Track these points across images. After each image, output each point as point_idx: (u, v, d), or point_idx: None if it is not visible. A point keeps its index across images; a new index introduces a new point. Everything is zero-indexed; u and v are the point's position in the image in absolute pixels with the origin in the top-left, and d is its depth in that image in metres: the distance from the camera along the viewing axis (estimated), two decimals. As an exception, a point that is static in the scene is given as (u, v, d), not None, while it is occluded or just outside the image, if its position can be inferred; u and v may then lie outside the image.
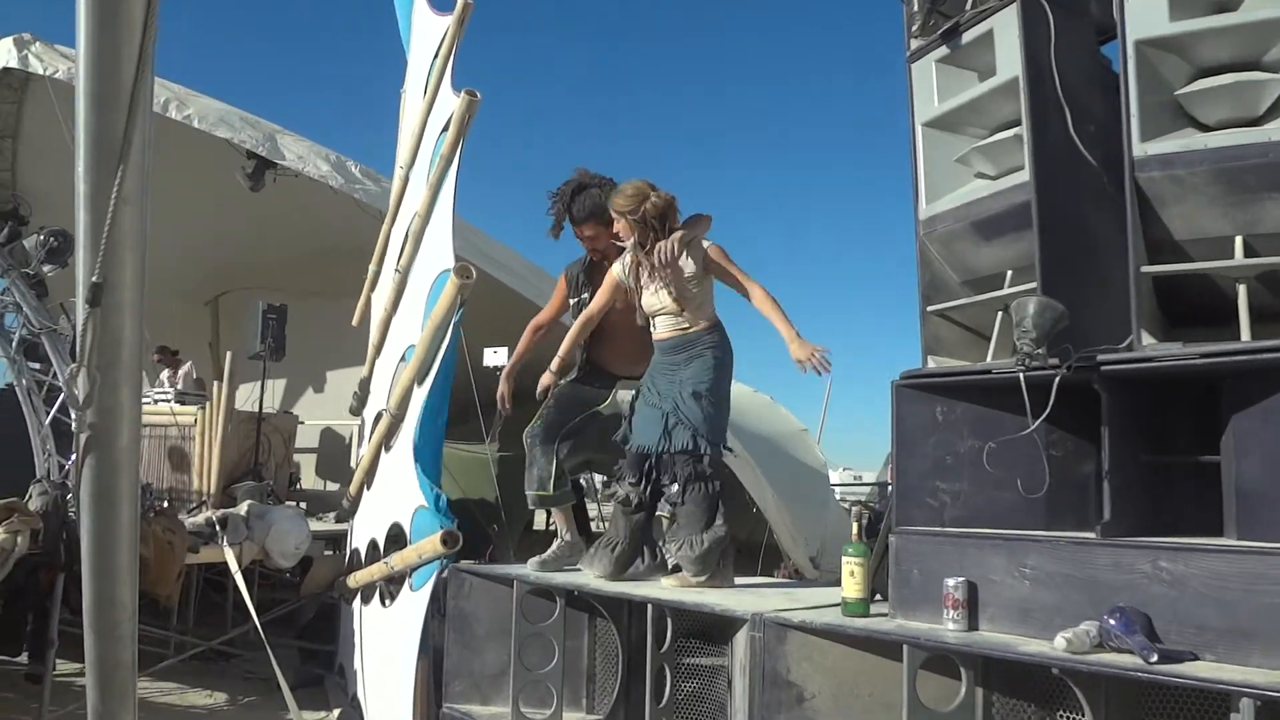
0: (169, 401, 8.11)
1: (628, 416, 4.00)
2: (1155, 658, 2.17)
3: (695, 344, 3.80)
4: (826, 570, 11.01)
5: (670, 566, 3.78)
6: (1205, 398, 2.60)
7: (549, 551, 4.16)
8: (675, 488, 3.66)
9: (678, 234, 3.78)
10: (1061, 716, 2.56)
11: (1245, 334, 2.40)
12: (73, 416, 1.64)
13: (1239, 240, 2.44)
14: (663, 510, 3.77)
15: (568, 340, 4.24)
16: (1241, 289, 2.42)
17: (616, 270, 4.00)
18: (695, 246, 3.80)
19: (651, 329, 3.92)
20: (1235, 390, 2.41)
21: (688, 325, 3.82)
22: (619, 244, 3.98)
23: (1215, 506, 2.58)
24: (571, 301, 4.35)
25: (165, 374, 9.39)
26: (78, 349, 1.54)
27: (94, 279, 1.53)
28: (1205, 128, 2.52)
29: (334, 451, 10.40)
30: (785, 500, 11.76)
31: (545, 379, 4.30)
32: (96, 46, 1.58)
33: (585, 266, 4.34)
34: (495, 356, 8.69)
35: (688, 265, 3.79)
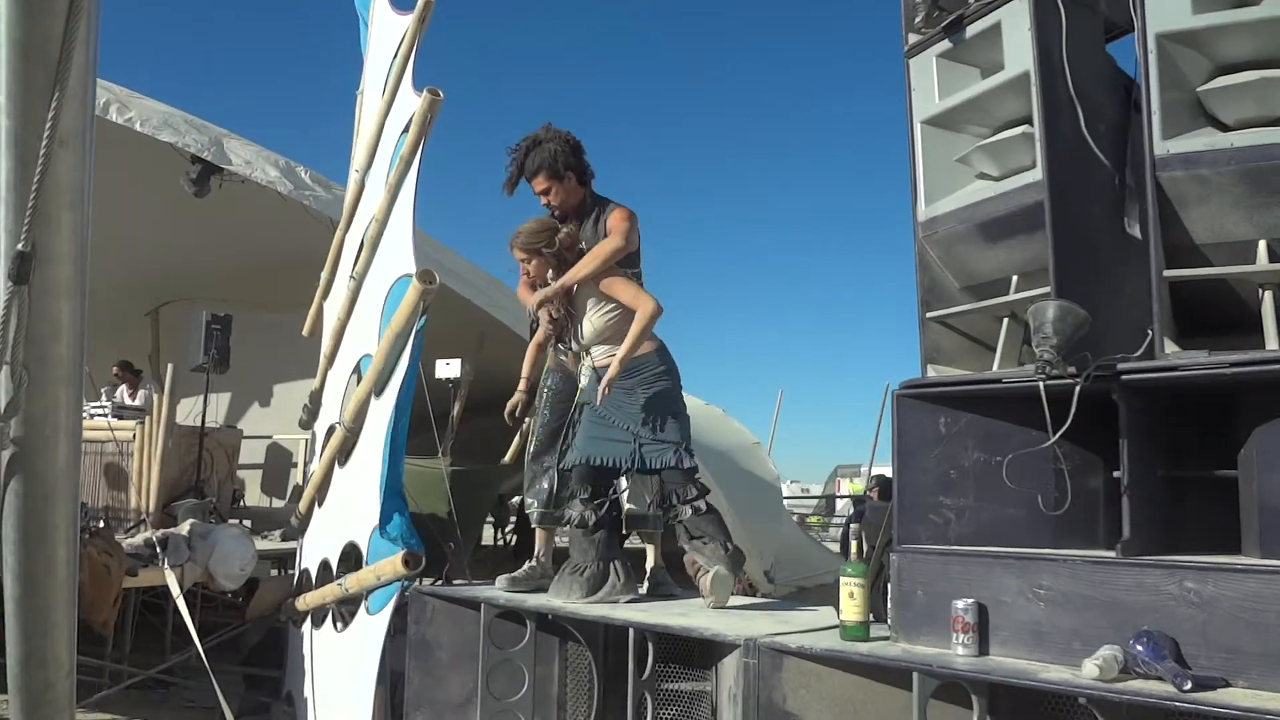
0: (105, 415, 7.71)
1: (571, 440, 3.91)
2: (1189, 685, 2.04)
3: (644, 368, 3.73)
4: (780, 584, 10.91)
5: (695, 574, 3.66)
6: (1217, 409, 2.49)
7: (521, 570, 3.96)
8: (687, 508, 3.58)
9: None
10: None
11: (1272, 342, 2.28)
12: None
13: (1263, 245, 2.33)
14: (681, 519, 3.62)
15: (526, 364, 4.24)
16: (1268, 295, 2.30)
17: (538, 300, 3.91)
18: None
19: (584, 354, 3.88)
20: (1259, 402, 2.29)
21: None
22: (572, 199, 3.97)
23: (1226, 523, 2.48)
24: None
25: (123, 391, 8.96)
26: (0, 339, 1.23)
27: (20, 247, 1.19)
28: (1224, 127, 2.41)
29: (280, 467, 10.04)
30: (739, 514, 11.60)
31: (514, 399, 4.22)
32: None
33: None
34: (448, 368, 8.46)
35: (599, 300, 3.76)
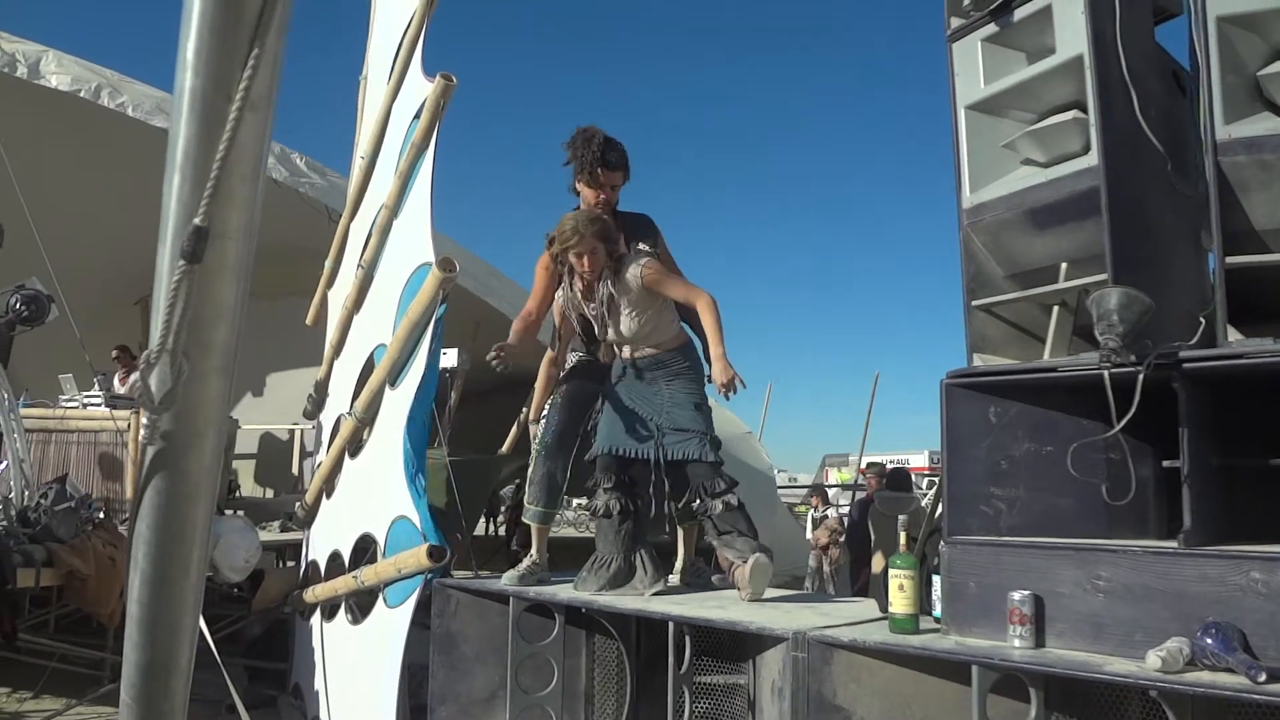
0: (99, 405, 7.60)
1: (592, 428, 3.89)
2: (1264, 678, 2.01)
3: (670, 363, 3.73)
4: (775, 572, 10.90)
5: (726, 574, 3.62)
6: (1261, 397, 2.47)
7: (524, 566, 3.91)
8: (718, 503, 3.53)
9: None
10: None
11: (1335, 330, 2.26)
12: (144, 422, 1.22)
13: (1324, 230, 2.31)
14: (710, 514, 3.56)
15: (540, 389, 4.15)
16: (1330, 282, 2.28)
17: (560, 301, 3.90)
18: (632, 270, 3.68)
19: (617, 348, 3.83)
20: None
21: (658, 345, 3.74)
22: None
23: (1274, 511, 2.46)
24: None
25: (118, 376, 8.81)
26: (160, 324, 1.16)
27: (197, 221, 1.11)
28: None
29: (274, 457, 9.95)
30: (738, 504, 11.54)
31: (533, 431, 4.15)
32: None
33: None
34: (445, 358, 8.38)
35: (637, 292, 3.68)
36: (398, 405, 4.43)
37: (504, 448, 9.83)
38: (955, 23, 2.89)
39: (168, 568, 1.16)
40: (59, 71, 7.30)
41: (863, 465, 17.67)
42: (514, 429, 9.84)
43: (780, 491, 20.78)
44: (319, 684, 4.97)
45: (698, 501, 3.57)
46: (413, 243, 4.46)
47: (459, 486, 6.39)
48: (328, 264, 6.15)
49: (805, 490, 23.56)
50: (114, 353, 9.06)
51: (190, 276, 1.09)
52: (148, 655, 1.18)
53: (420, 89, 4.74)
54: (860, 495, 11.96)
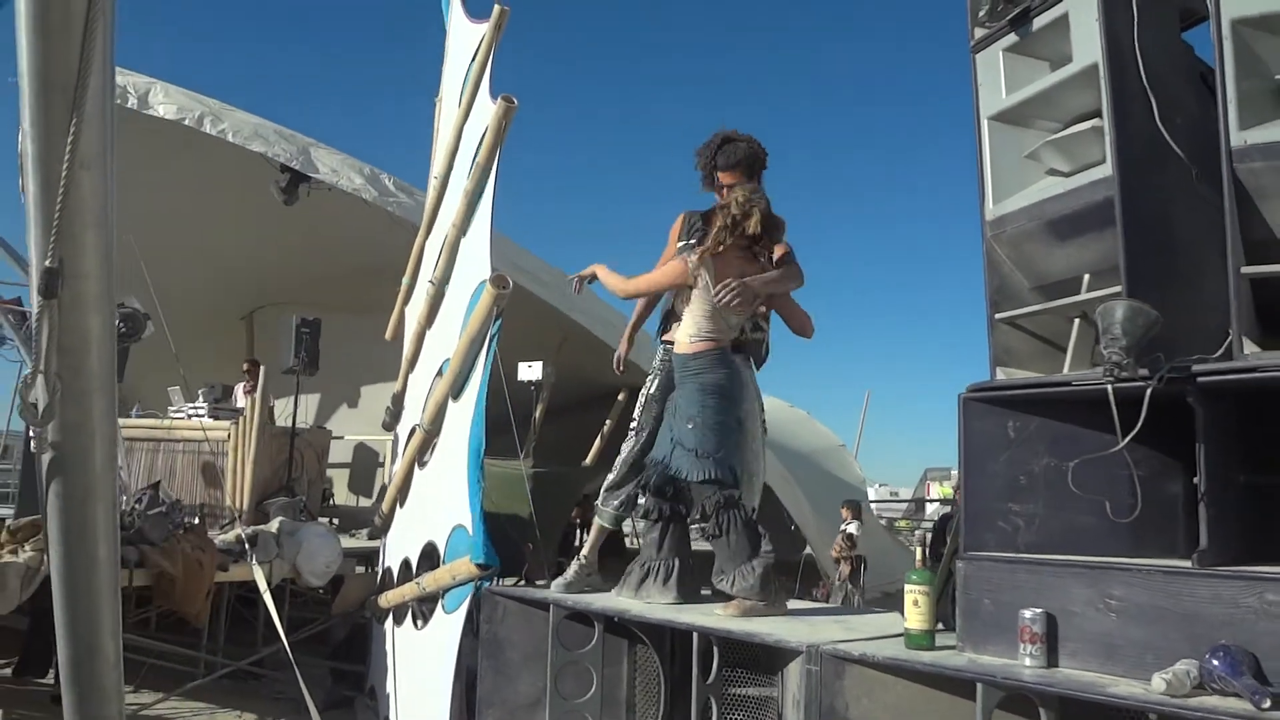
0: (201, 416, 8.00)
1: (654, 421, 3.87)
2: (1268, 704, 1.94)
3: (684, 366, 3.63)
4: (865, 589, 10.76)
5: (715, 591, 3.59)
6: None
7: (570, 572, 3.93)
8: (710, 521, 3.45)
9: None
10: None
11: (1361, 342, 2.17)
12: (31, 434, 1.38)
13: (1350, 239, 2.21)
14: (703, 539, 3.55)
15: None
16: (1355, 292, 2.18)
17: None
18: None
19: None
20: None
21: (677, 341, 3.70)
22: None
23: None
24: (678, 245, 3.99)
25: (243, 387, 9.26)
26: (33, 351, 1.31)
27: (47, 263, 1.24)
28: (1306, 116, 2.29)
29: (367, 467, 10.28)
30: (824, 517, 11.50)
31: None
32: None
33: (704, 214, 4.02)
34: (530, 371, 8.55)
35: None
36: (459, 417, 4.58)
37: (587, 460, 9.96)
38: (978, 33, 2.86)
39: (75, 563, 1.29)
40: (166, 102, 7.73)
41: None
42: (597, 442, 9.98)
43: (878, 506, 20.46)
44: (390, 686, 5.15)
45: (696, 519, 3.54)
46: (474, 260, 4.61)
47: (539, 497, 6.51)
48: (405, 280, 6.38)
49: (906, 505, 23.17)
50: (245, 365, 9.53)
51: (50, 310, 1.23)
52: (72, 645, 1.31)
53: (487, 110, 4.90)
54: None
